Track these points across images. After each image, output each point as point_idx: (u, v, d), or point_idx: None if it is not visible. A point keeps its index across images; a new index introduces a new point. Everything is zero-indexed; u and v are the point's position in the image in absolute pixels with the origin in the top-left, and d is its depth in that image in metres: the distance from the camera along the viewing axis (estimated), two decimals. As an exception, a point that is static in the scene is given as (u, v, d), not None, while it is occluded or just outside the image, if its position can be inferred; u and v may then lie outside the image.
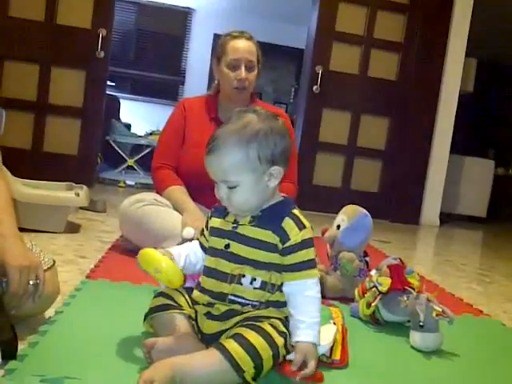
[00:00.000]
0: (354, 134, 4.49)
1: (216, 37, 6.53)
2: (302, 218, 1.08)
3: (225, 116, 2.05)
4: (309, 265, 1.05)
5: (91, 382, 0.94)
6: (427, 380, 1.17)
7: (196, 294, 1.11)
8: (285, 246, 1.05)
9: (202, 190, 2.01)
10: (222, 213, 1.12)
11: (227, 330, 1.04)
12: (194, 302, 1.12)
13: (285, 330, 1.03)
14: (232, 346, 0.94)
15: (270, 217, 1.07)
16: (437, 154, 4.56)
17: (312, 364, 1.00)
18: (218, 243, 1.10)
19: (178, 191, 1.97)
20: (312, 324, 1.04)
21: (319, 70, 4.35)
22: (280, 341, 1.00)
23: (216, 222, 1.13)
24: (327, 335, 1.18)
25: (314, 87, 4.36)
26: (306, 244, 1.05)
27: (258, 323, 1.00)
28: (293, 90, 7.11)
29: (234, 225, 1.09)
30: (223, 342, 0.96)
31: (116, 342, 1.13)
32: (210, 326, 1.07)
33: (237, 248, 1.07)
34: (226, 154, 1.02)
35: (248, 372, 0.93)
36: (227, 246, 1.08)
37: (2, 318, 1.00)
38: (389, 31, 4.46)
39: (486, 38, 5.42)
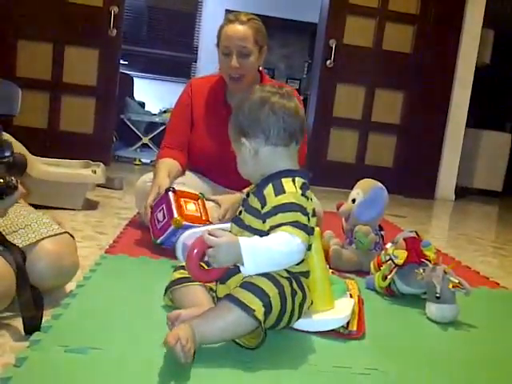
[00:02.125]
0: (368, 108, 4.44)
1: (228, 13, 6.46)
2: (288, 185, 1.08)
3: (233, 99, 2.02)
4: (282, 225, 1.03)
5: (114, 352, 0.97)
6: (444, 351, 1.18)
7: None
8: (263, 212, 1.07)
9: (218, 171, 2.03)
10: None
11: None
12: None
13: (288, 276, 1.06)
14: (237, 291, 0.99)
15: (261, 184, 1.11)
16: (452, 128, 4.51)
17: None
18: (238, 210, 1.17)
19: (162, 163, 1.89)
20: (256, 242, 1.01)
21: (333, 43, 4.29)
22: (285, 282, 1.04)
23: None
24: (345, 308, 1.20)
25: (328, 61, 4.32)
26: (281, 208, 1.05)
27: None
28: (306, 65, 7.03)
29: (247, 193, 1.16)
30: (230, 292, 1.01)
31: (136, 314, 1.16)
32: (222, 290, 1.11)
33: (244, 215, 1.13)
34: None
35: (258, 311, 0.97)
36: (240, 212, 1.15)
37: (26, 294, 1.03)
38: (403, 3, 4.37)
39: (504, 9, 5.29)
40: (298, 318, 1.10)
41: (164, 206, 1.66)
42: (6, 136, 1.29)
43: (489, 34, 5.08)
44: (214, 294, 1.13)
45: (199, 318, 0.97)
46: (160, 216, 1.66)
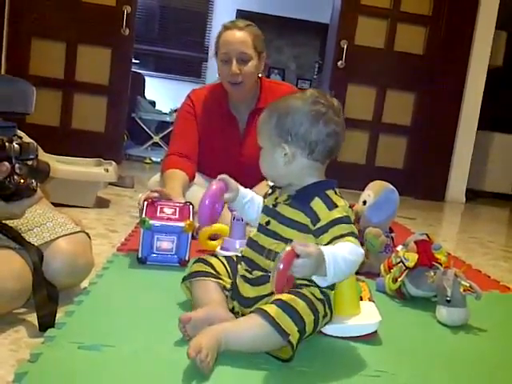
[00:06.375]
0: (379, 109, 4.44)
1: (239, 12, 6.47)
2: (335, 198, 1.07)
3: (235, 109, 2.02)
4: (344, 236, 1.03)
5: (127, 350, 0.98)
6: (454, 354, 1.18)
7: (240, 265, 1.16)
8: (316, 227, 1.05)
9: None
10: (268, 192, 1.18)
11: (265, 296, 1.06)
12: (235, 267, 1.16)
13: (322, 297, 1.05)
14: (274, 310, 0.96)
15: (302, 197, 1.08)
16: (464, 130, 4.49)
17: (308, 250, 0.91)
18: (262, 219, 1.14)
19: (170, 175, 1.86)
20: (333, 251, 0.97)
21: (344, 44, 4.29)
22: (320, 306, 1.03)
23: (265, 202, 1.18)
24: (373, 313, 1.19)
25: (339, 62, 4.31)
26: (337, 221, 1.04)
27: (297, 289, 1.03)
28: (316, 65, 7.03)
29: (274, 203, 1.12)
30: (264, 307, 0.98)
31: (148, 312, 1.17)
32: (246, 290, 1.11)
33: (275, 226, 1.10)
34: (263, 115, 1.13)
35: (293, 336, 0.96)
36: (268, 222, 1.11)
37: (41, 292, 1.05)
38: (416, 4, 4.36)
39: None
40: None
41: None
42: (21, 134, 1.31)
43: (501, 36, 5.05)
44: (228, 293, 1.13)
45: (228, 325, 0.97)
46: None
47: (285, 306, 0.97)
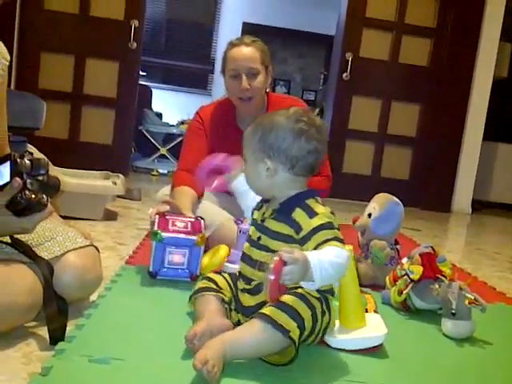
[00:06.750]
0: (384, 121, 4.46)
1: (245, 25, 6.53)
2: (314, 206, 1.11)
3: (243, 123, 2.03)
4: (328, 241, 1.05)
5: (136, 363, 0.99)
6: (459, 367, 1.18)
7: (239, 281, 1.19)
8: (299, 236, 1.09)
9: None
10: (258, 205, 1.22)
11: (265, 302, 1.08)
12: (236, 282, 1.19)
13: (318, 296, 1.07)
14: (271, 310, 1.00)
15: (285, 209, 1.12)
16: (469, 141, 4.49)
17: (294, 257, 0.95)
18: (254, 234, 1.18)
19: (179, 192, 1.87)
20: (319, 256, 1.00)
21: (349, 56, 4.32)
22: (317, 303, 1.06)
23: (255, 214, 1.22)
24: (379, 325, 1.20)
25: (344, 74, 4.34)
26: (319, 228, 1.07)
27: (293, 290, 1.05)
28: (322, 77, 7.06)
29: (262, 218, 1.17)
30: (262, 310, 1.02)
31: (156, 325, 1.19)
32: (247, 299, 1.15)
33: (266, 241, 1.14)
34: (248, 129, 1.18)
35: (294, 332, 0.99)
36: (259, 238, 1.15)
37: (52, 306, 1.07)
38: (420, 16, 4.39)
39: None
40: (318, 339, 1.11)
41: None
42: (32, 149, 1.34)
43: (506, 48, 5.06)
44: (228, 306, 1.16)
45: (231, 334, 1.00)
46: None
47: (280, 305, 1.01)
